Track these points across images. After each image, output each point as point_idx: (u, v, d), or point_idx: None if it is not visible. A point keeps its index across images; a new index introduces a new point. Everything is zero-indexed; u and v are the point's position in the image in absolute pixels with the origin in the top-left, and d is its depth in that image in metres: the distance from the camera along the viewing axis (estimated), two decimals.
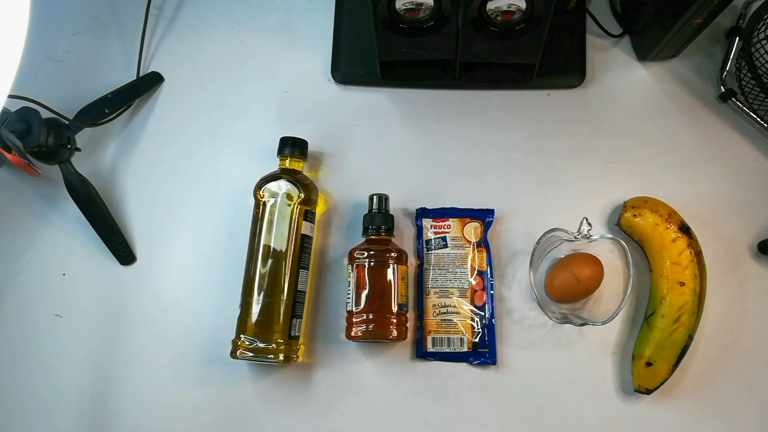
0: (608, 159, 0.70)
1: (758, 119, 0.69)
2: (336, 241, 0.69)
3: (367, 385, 0.64)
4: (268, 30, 0.76)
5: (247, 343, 0.61)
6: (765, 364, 0.64)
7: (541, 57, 0.66)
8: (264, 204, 0.64)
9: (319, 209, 0.68)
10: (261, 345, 0.60)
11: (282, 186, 0.64)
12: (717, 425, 0.62)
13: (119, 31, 0.77)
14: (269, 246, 0.63)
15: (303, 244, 0.64)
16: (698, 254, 0.62)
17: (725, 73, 0.71)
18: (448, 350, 0.64)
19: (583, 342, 0.65)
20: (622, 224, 0.66)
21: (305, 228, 0.64)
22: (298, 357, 0.63)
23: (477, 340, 0.64)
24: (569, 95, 0.73)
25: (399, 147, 0.72)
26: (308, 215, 0.65)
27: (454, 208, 0.68)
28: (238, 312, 0.63)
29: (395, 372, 0.65)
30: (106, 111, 0.70)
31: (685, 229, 0.63)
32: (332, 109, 0.73)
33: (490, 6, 0.60)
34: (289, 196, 0.64)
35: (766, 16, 0.68)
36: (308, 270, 0.65)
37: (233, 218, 0.69)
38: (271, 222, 0.63)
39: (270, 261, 0.62)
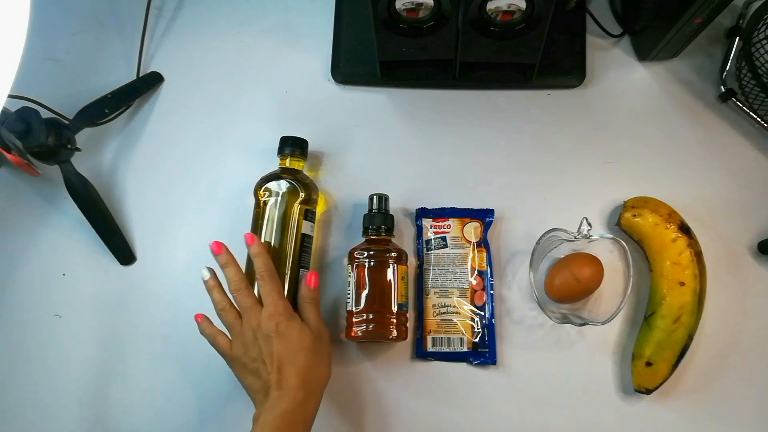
0: (608, 159, 0.70)
1: (758, 119, 0.69)
2: (336, 241, 0.69)
3: (367, 385, 0.64)
4: (268, 30, 0.76)
5: None
6: (765, 364, 0.64)
7: (541, 57, 0.66)
8: (264, 203, 0.64)
9: (319, 209, 0.68)
10: None
11: (282, 185, 0.64)
12: (717, 425, 0.62)
13: (119, 31, 0.77)
14: (269, 245, 0.63)
15: (303, 243, 0.64)
16: (698, 254, 0.62)
17: (725, 73, 0.71)
18: (448, 350, 0.64)
19: (583, 342, 0.65)
20: (622, 224, 0.66)
21: (305, 227, 0.64)
22: None
23: (477, 340, 0.64)
24: (569, 95, 0.73)
25: (399, 147, 0.72)
26: (308, 215, 0.65)
27: (454, 208, 0.68)
28: None
29: (395, 372, 0.65)
30: (106, 111, 0.70)
31: (685, 229, 0.63)
32: (332, 109, 0.73)
33: (490, 6, 0.60)
34: (289, 196, 0.64)
35: (766, 16, 0.68)
36: (308, 270, 0.65)
37: (233, 218, 0.69)
38: (271, 222, 0.63)
39: None
